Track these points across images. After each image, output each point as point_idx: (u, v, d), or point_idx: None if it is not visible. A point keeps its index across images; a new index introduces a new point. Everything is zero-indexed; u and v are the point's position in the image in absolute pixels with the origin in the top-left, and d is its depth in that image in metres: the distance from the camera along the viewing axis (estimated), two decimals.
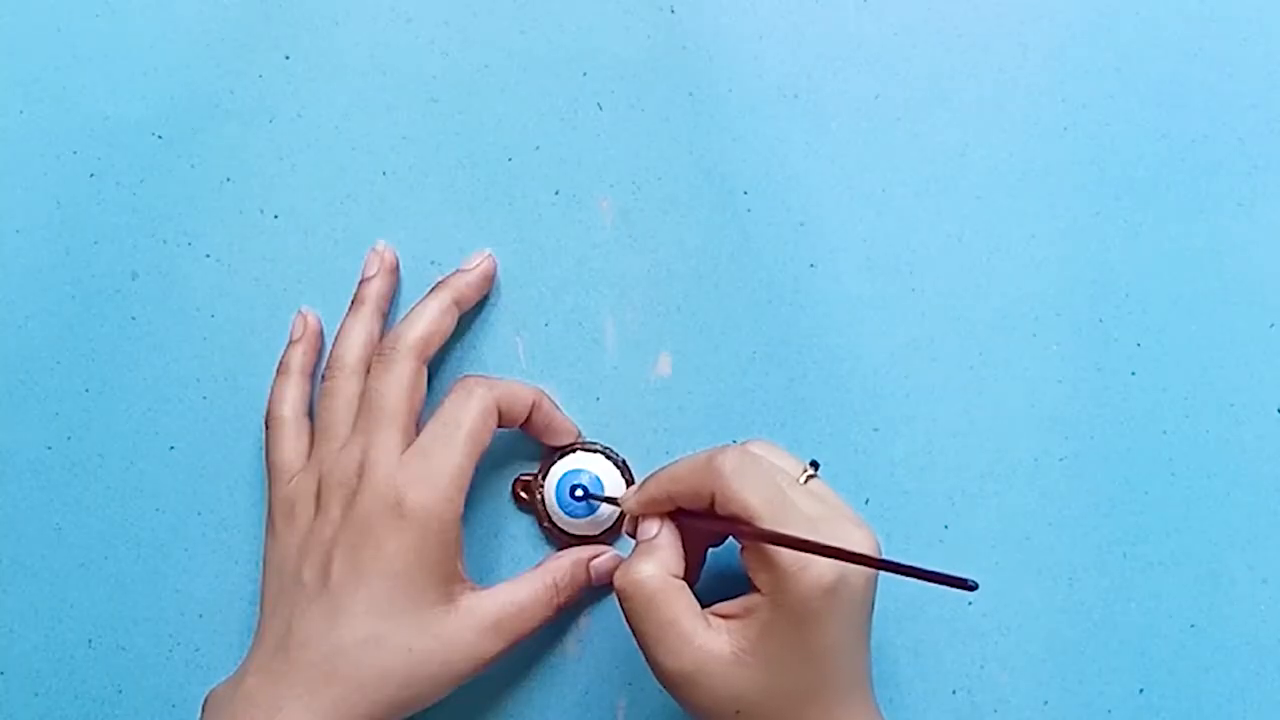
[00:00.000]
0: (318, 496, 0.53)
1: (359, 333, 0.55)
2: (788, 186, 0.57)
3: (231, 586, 0.57)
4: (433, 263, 0.57)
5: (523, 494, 0.57)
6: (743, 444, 0.51)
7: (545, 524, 0.56)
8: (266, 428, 0.56)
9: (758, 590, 0.48)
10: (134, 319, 0.58)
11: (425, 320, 0.54)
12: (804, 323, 0.57)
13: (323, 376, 0.55)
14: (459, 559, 0.52)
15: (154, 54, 0.58)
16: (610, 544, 0.57)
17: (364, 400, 0.53)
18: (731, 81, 0.57)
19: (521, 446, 0.57)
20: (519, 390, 0.54)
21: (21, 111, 0.58)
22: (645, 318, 0.57)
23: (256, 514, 0.57)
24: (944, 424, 0.56)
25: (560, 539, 0.57)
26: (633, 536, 0.51)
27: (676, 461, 0.50)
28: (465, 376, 0.54)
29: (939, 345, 0.57)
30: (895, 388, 0.57)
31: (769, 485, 0.47)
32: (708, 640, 0.47)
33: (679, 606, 0.48)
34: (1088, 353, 0.57)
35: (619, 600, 0.49)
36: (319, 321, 0.57)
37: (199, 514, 0.57)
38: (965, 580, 0.39)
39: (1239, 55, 0.57)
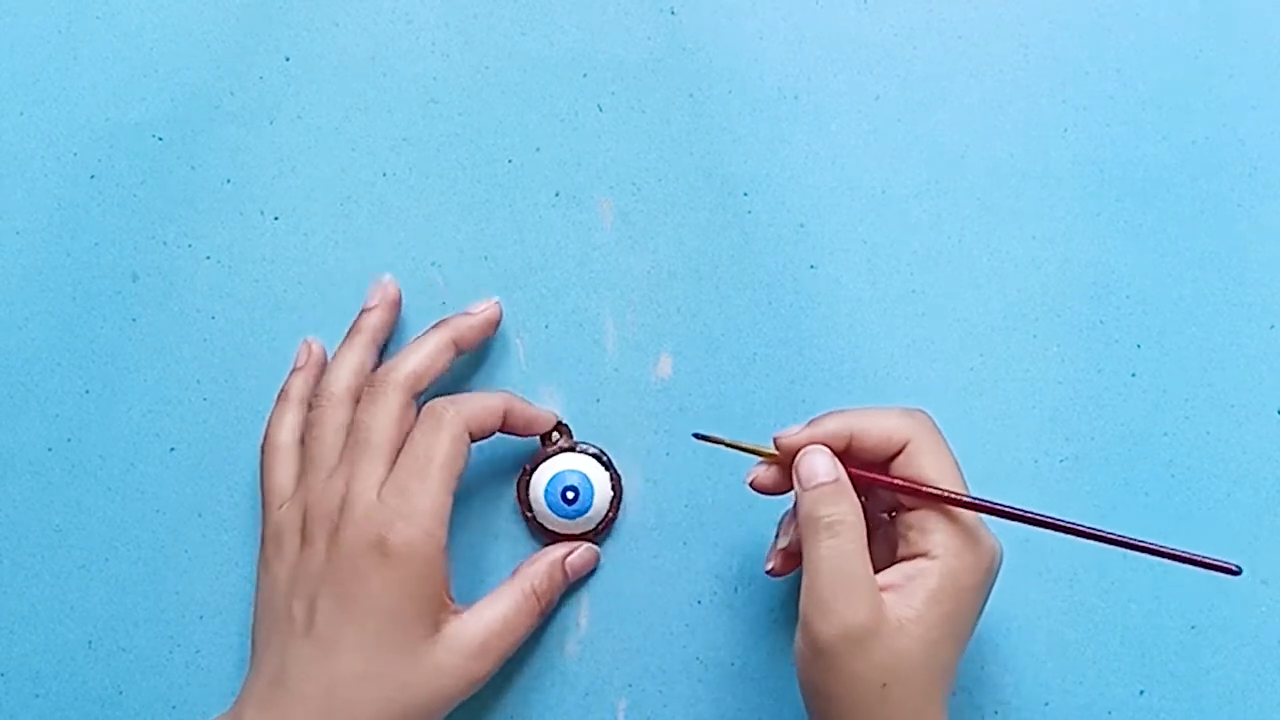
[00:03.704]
0: (304, 528, 0.52)
1: (351, 362, 0.55)
2: (788, 187, 0.57)
3: (231, 587, 0.57)
4: (433, 264, 0.57)
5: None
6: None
7: (532, 524, 0.56)
8: (263, 453, 0.55)
9: (922, 555, 0.48)
10: (134, 320, 0.58)
11: (420, 356, 0.53)
12: (804, 323, 0.57)
13: (309, 404, 0.55)
14: (446, 589, 0.52)
15: (154, 55, 0.58)
16: (597, 544, 0.57)
17: (351, 432, 0.53)
18: (731, 82, 0.57)
19: (523, 446, 0.57)
20: (487, 402, 0.53)
21: (22, 113, 0.58)
22: (645, 318, 0.57)
23: (256, 515, 0.57)
24: (944, 425, 0.56)
25: (548, 538, 0.57)
26: (764, 487, 0.51)
27: (854, 408, 0.50)
28: (432, 402, 0.53)
29: (939, 346, 0.57)
30: (895, 388, 0.57)
31: (953, 459, 0.49)
32: (882, 603, 0.47)
33: (867, 561, 0.47)
34: (1088, 354, 0.57)
35: (815, 533, 0.47)
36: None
37: (199, 515, 0.57)
38: (1229, 566, 0.41)
39: (1239, 56, 0.57)
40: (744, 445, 0.51)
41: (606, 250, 0.57)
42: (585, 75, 0.58)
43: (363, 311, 0.56)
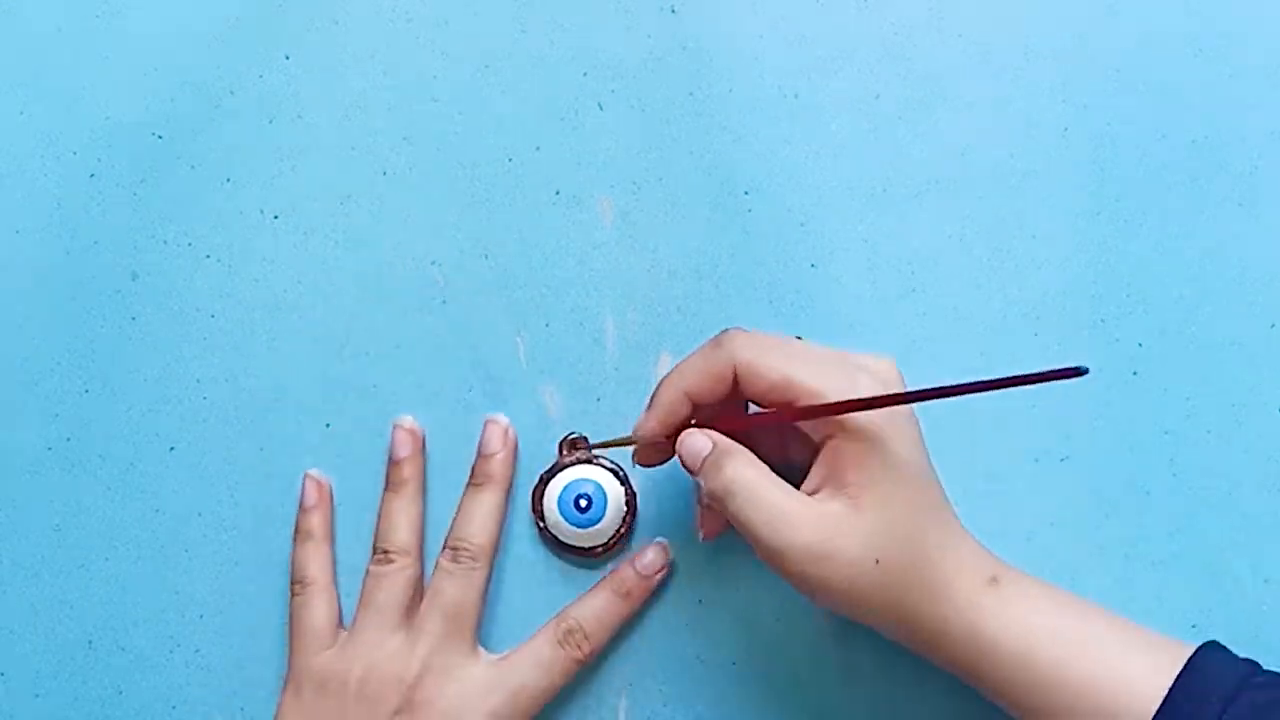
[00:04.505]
0: (360, 682, 0.53)
1: (411, 516, 0.56)
2: (788, 186, 0.57)
3: (231, 587, 0.57)
4: (433, 262, 0.57)
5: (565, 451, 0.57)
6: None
7: (544, 535, 0.56)
8: (294, 591, 0.56)
9: (826, 440, 0.48)
10: (134, 319, 0.58)
11: (492, 526, 0.55)
12: (805, 323, 0.57)
13: (375, 554, 0.55)
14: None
15: (154, 54, 0.58)
16: (609, 560, 0.57)
17: (435, 599, 0.54)
18: (732, 81, 0.57)
19: (539, 458, 0.57)
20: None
21: (21, 112, 0.58)
22: (645, 318, 0.57)
23: (256, 514, 0.57)
24: (945, 424, 0.56)
25: (559, 549, 0.57)
26: (647, 464, 0.52)
27: (674, 368, 0.50)
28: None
29: (939, 345, 0.57)
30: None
31: (777, 340, 0.49)
32: (821, 504, 0.47)
33: (783, 488, 0.48)
34: (1089, 353, 0.57)
35: (725, 503, 0.48)
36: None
37: (199, 514, 0.57)
38: (1076, 369, 0.40)
39: (1239, 55, 0.57)
40: (612, 441, 0.55)
41: (607, 249, 0.57)
42: (585, 74, 0.58)
43: (397, 462, 0.56)
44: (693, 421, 0.51)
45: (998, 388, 0.43)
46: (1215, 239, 0.57)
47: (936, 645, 0.49)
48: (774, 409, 0.49)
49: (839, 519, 0.47)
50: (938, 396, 0.46)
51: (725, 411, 0.51)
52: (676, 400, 0.50)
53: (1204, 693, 0.46)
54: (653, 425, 0.51)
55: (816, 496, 0.48)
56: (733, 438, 0.50)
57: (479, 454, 0.56)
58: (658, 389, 0.51)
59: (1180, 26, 0.57)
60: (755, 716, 0.56)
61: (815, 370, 0.48)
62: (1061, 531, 0.56)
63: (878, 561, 0.47)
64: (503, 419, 0.57)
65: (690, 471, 0.50)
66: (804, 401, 0.48)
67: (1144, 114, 0.57)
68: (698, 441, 0.50)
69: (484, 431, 0.56)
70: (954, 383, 0.45)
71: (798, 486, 0.49)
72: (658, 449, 0.52)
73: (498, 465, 0.56)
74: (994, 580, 0.48)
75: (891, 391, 0.48)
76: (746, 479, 0.48)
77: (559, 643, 0.54)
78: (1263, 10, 0.57)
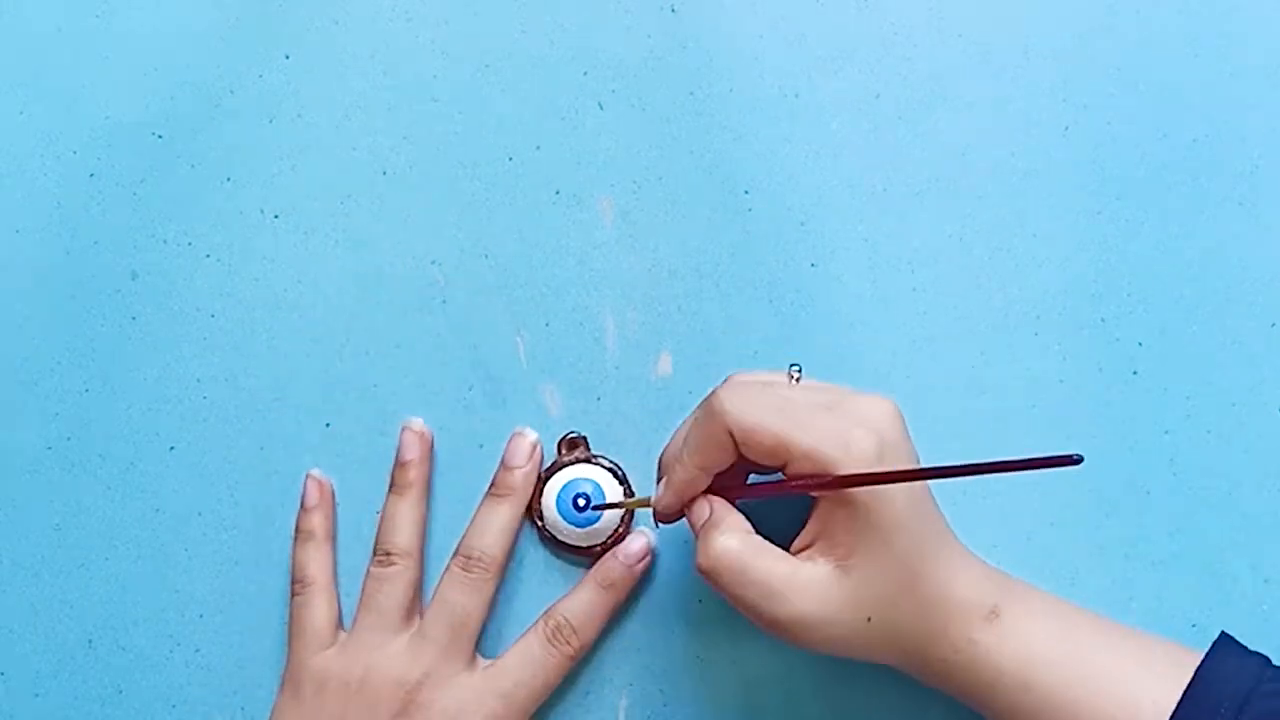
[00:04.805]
0: (361, 682, 0.54)
1: (413, 518, 0.56)
2: (788, 186, 0.57)
3: (231, 587, 0.57)
4: (433, 262, 0.57)
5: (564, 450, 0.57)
6: (721, 384, 0.51)
7: (543, 534, 0.56)
8: (294, 590, 0.56)
9: (820, 498, 0.48)
10: (134, 319, 0.58)
11: (507, 538, 0.56)
12: (805, 322, 0.57)
13: (376, 555, 0.56)
14: None
15: (154, 54, 0.58)
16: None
17: (440, 607, 0.54)
18: (732, 81, 0.57)
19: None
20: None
21: (21, 112, 0.58)
22: (646, 317, 0.57)
23: (256, 514, 0.57)
24: (945, 424, 0.56)
25: (557, 548, 0.57)
26: (663, 523, 0.52)
27: (676, 440, 0.51)
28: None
29: (939, 345, 0.57)
30: (896, 388, 0.56)
31: (768, 394, 0.48)
32: (808, 570, 0.48)
33: (770, 557, 0.48)
34: (1089, 352, 0.57)
35: (713, 581, 0.49)
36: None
37: (199, 514, 0.57)
38: (1070, 457, 0.40)
39: (1239, 55, 0.57)
40: (634, 502, 0.55)
41: (607, 248, 0.57)
42: (586, 73, 0.58)
43: (403, 465, 0.56)
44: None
45: (992, 472, 0.43)
46: (1215, 239, 0.57)
47: (942, 681, 0.49)
48: (775, 474, 0.49)
49: (827, 584, 0.48)
50: (929, 478, 0.46)
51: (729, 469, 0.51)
52: (694, 478, 0.50)
53: (1211, 708, 0.46)
54: (670, 502, 0.51)
55: (806, 556, 0.48)
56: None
57: (503, 465, 0.56)
58: (671, 469, 0.50)
59: (1180, 26, 0.57)
60: (756, 715, 0.56)
61: (809, 433, 0.47)
62: (1061, 531, 0.56)
63: (869, 619, 0.48)
64: (531, 433, 0.56)
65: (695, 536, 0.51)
66: (799, 465, 0.47)
67: (1144, 114, 0.57)
68: (698, 507, 0.50)
69: (510, 443, 0.56)
70: (950, 464, 0.45)
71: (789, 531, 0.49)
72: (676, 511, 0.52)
73: (520, 479, 0.56)
74: (993, 613, 0.49)
75: (889, 444, 0.48)
76: (732, 554, 0.48)
77: (548, 640, 0.54)
78: (1263, 10, 0.57)
